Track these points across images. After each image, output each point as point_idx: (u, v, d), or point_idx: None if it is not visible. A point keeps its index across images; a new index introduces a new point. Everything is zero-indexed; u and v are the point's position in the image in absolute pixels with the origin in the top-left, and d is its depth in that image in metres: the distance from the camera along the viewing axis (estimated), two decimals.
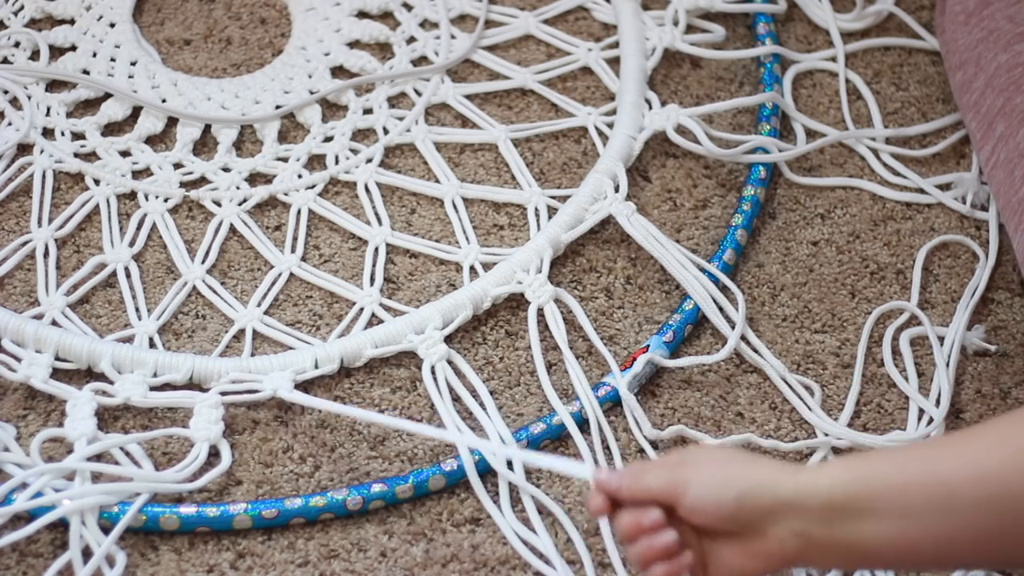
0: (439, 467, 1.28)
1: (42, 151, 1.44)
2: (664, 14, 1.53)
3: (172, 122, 1.47)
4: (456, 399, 1.32)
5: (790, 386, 1.34)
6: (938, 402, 1.34)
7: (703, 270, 1.39)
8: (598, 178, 1.43)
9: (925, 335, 1.37)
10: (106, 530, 1.23)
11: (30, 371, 1.30)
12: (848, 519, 0.98)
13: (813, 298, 1.40)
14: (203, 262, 1.39)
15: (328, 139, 1.47)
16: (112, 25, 1.52)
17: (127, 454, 1.27)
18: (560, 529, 1.27)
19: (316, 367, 1.32)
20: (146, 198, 1.42)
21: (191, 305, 1.37)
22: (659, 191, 1.45)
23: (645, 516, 1.02)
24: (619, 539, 1.15)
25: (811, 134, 1.49)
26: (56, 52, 1.50)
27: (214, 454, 1.28)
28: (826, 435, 1.32)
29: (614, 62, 1.51)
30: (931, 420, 1.32)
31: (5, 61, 1.49)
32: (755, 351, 1.36)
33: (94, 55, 1.50)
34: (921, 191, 1.46)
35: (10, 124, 1.45)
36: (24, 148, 1.44)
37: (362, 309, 1.37)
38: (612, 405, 1.33)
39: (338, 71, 1.51)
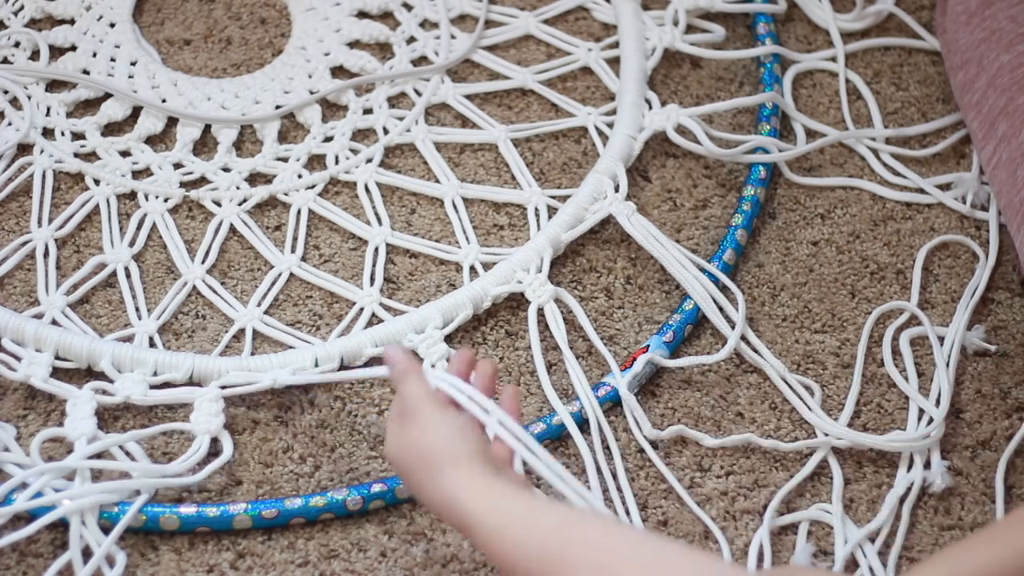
0: None
1: (42, 151, 1.44)
2: (664, 14, 1.53)
3: (172, 122, 1.47)
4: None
5: (790, 386, 1.34)
6: (938, 402, 1.34)
7: (703, 270, 1.39)
8: (598, 178, 1.43)
9: (925, 335, 1.37)
10: (106, 530, 1.23)
11: (30, 370, 1.30)
12: None
13: (813, 298, 1.40)
14: (203, 262, 1.39)
15: (328, 139, 1.47)
16: (112, 25, 1.52)
17: (127, 453, 1.27)
18: None
19: (316, 366, 1.32)
20: (146, 198, 1.42)
21: (191, 305, 1.37)
22: (659, 191, 1.45)
23: None
24: None
25: (811, 134, 1.50)
26: (56, 52, 1.50)
27: (214, 453, 1.28)
28: (826, 435, 1.32)
29: (614, 62, 1.51)
30: (931, 420, 1.32)
31: (5, 61, 1.49)
32: (755, 351, 1.36)
33: (94, 55, 1.50)
34: (921, 191, 1.46)
35: (10, 124, 1.45)
36: (24, 148, 1.44)
37: (362, 309, 1.37)
38: (612, 405, 1.33)
39: (338, 71, 1.51)
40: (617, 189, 1.42)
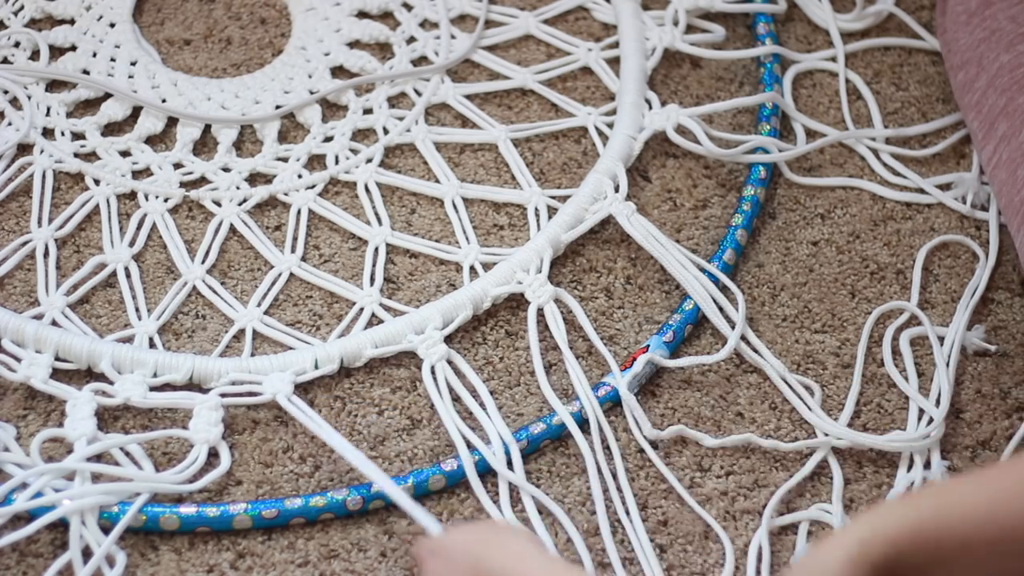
0: (439, 467, 1.28)
1: (42, 151, 1.44)
2: (664, 14, 1.53)
3: (172, 122, 1.47)
4: (456, 399, 1.32)
5: (790, 386, 1.34)
6: (938, 402, 1.34)
7: (703, 270, 1.39)
8: (598, 178, 1.43)
9: (925, 335, 1.37)
10: (106, 530, 1.23)
11: (30, 371, 1.30)
12: None
13: (813, 298, 1.40)
14: (203, 262, 1.39)
15: (328, 139, 1.47)
16: (112, 25, 1.52)
17: (127, 454, 1.27)
18: (560, 529, 1.27)
19: (316, 367, 1.32)
20: (146, 198, 1.42)
21: (191, 305, 1.37)
22: (659, 191, 1.45)
23: None
24: None
25: (811, 134, 1.49)
26: (56, 52, 1.50)
27: (214, 454, 1.28)
28: (826, 435, 1.32)
29: (614, 62, 1.51)
30: (931, 420, 1.32)
31: (5, 61, 1.49)
32: (755, 351, 1.36)
33: (94, 55, 1.50)
34: (921, 191, 1.46)
35: (10, 124, 1.45)
36: (24, 148, 1.44)
37: (362, 309, 1.37)
38: (612, 405, 1.33)
39: (338, 71, 1.51)
40: (617, 189, 1.42)
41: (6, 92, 1.46)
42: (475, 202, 1.44)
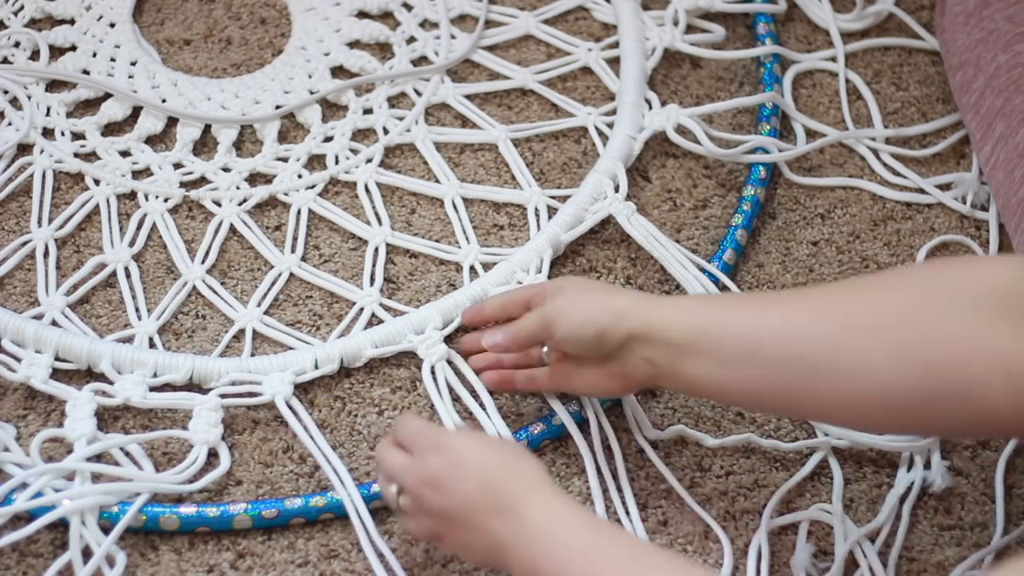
0: None
1: (42, 151, 1.44)
2: (664, 14, 1.53)
3: (172, 122, 1.47)
4: (456, 399, 1.32)
5: None
6: None
7: (703, 270, 1.39)
8: (598, 178, 1.43)
9: None
10: (106, 530, 1.23)
11: (30, 371, 1.30)
12: (681, 355, 1.16)
13: None
14: (203, 262, 1.39)
15: (328, 139, 1.47)
16: (112, 25, 1.52)
17: (127, 454, 1.27)
18: None
19: (316, 367, 1.32)
20: (146, 198, 1.42)
21: (191, 305, 1.37)
22: (659, 191, 1.45)
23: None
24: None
25: (811, 134, 1.49)
26: (56, 52, 1.50)
27: (214, 455, 1.28)
28: (826, 435, 1.32)
29: (614, 62, 1.51)
30: None
31: (5, 61, 1.49)
32: None
33: (94, 55, 1.50)
34: (921, 191, 1.46)
35: (10, 124, 1.45)
36: (24, 148, 1.44)
37: (362, 309, 1.37)
38: (612, 405, 1.33)
39: (338, 71, 1.51)
40: (617, 189, 1.42)
41: (6, 92, 1.46)
42: (475, 202, 1.44)
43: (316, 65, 1.50)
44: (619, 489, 1.29)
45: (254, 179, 1.44)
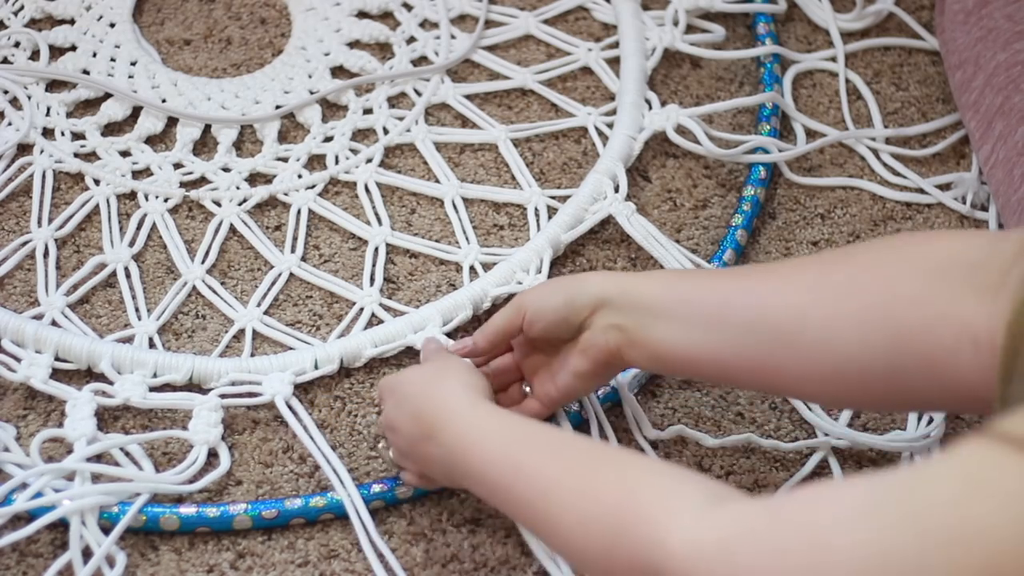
0: None
1: (42, 151, 1.44)
2: (664, 14, 1.53)
3: (172, 122, 1.47)
4: None
5: None
6: None
7: None
8: (598, 178, 1.43)
9: None
10: (106, 530, 1.23)
11: (30, 371, 1.30)
12: (652, 319, 1.15)
13: None
14: (203, 262, 1.39)
15: (328, 139, 1.47)
16: (112, 25, 1.52)
17: (127, 454, 1.27)
18: None
19: (316, 367, 1.32)
20: (146, 198, 1.42)
21: (191, 305, 1.37)
22: (659, 191, 1.45)
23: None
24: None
25: (811, 134, 1.50)
26: (56, 52, 1.50)
27: (214, 455, 1.28)
28: (826, 435, 1.32)
29: (614, 62, 1.51)
30: (931, 420, 1.32)
31: (5, 61, 1.49)
32: None
33: (94, 55, 1.50)
34: (921, 191, 1.46)
35: (10, 124, 1.45)
36: (24, 148, 1.44)
37: (362, 309, 1.37)
38: (612, 405, 1.33)
39: (338, 71, 1.51)
40: (617, 189, 1.42)
41: (6, 92, 1.46)
42: (475, 202, 1.44)
43: (316, 65, 1.50)
44: None
45: (254, 179, 1.45)
